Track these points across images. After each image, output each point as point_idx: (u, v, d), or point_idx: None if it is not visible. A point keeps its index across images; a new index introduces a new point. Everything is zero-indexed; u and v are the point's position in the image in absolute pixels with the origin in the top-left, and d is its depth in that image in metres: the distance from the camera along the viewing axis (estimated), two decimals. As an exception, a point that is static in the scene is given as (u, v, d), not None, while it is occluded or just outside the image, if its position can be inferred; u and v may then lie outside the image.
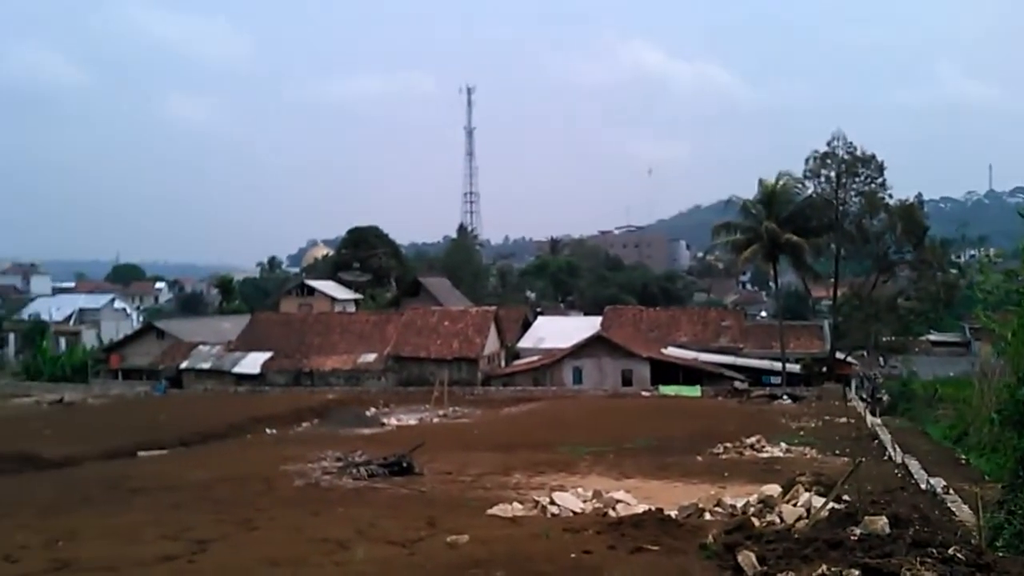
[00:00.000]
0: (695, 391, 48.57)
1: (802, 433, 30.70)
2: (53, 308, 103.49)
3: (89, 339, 78.49)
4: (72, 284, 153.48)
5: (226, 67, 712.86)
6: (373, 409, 44.73)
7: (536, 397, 48.67)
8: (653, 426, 32.41)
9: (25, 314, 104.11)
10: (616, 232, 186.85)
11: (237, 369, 56.39)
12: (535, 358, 57.02)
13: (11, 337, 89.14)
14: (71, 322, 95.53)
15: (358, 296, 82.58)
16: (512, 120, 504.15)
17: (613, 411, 39.70)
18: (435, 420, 41.26)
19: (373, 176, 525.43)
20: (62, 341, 76.94)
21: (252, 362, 56.77)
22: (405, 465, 22.45)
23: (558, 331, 61.44)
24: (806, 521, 11.41)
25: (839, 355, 54.34)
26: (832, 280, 55.39)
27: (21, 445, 29.60)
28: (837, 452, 25.06)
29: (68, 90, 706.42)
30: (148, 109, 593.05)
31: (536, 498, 16.03)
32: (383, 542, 11.05)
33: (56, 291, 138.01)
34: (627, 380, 51.74)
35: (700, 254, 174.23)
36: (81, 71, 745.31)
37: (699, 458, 24.98)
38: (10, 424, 39.23)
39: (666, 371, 51.51)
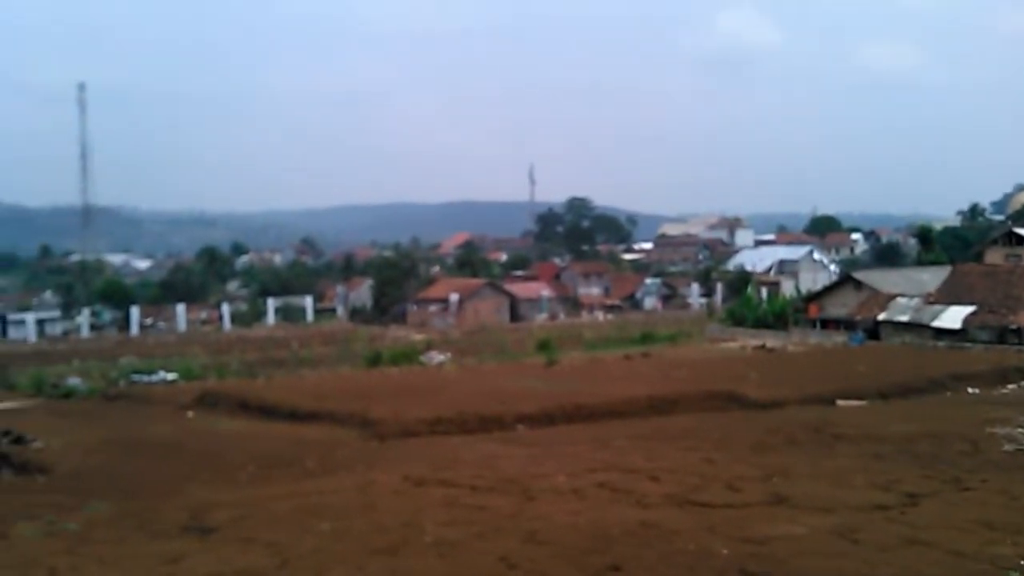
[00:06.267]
0: None
1: None
2: (756, 259, 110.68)
3: (788, 289, 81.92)
4: (772, 236, 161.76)
5: (928, 9, 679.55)
6: (1101, 374, 39.16)
7: None
8: None
9: (731, 265, 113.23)
10: None
11: (936, 323, 53.91)
12: None
13: (718, 286, 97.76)
14: (771, 272, 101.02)
15: (1080, 246, 72.66)
16: None
17: None
18: None
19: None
20: (763, 290, 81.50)
21: (952, 316, 53.74)
22: None
23: None
24: None
25: None
26: None
27: (730, 385, 32.29)
28: None
29: (766, 50, 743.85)
30: (844, 62, 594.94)
31: None
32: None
33: (758, 243, 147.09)
34: None
35: None
36: (778, 31, 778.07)
37: None
38: (719, 366, 43.02)
39: None
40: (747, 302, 72.27)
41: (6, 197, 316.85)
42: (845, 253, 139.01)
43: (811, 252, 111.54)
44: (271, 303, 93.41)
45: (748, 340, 59.09)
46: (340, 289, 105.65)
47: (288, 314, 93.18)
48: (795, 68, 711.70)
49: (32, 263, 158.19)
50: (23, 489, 17.07)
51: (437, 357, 55.62)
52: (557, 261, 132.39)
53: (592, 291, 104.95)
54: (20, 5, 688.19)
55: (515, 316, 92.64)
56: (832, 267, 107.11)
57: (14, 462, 19.52)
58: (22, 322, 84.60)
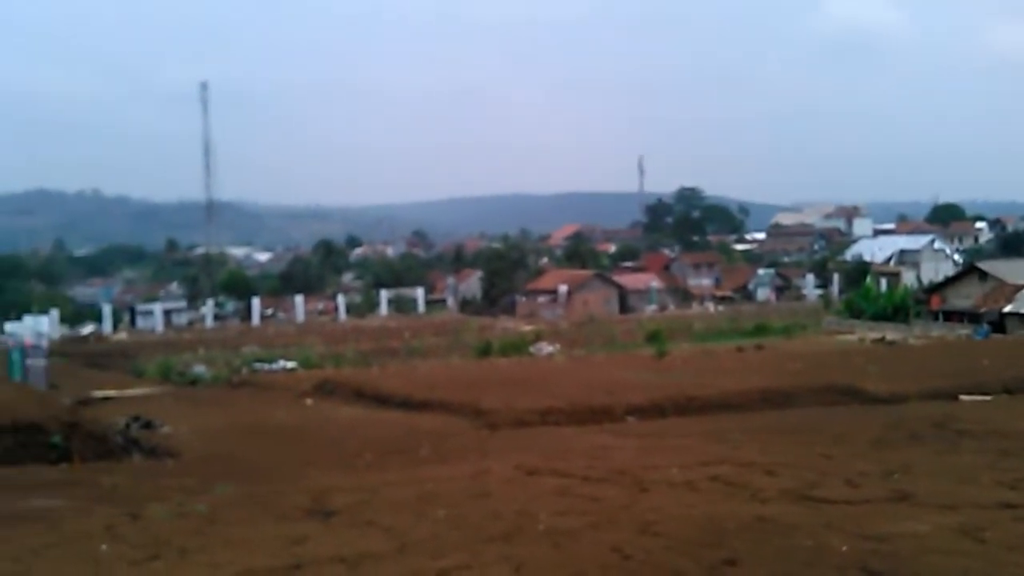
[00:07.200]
0: None
1: None
2: (875, 249, 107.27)
3: (908, 280, 79.31)
4: (892, 226, 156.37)
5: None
6: None
7: None
8: None
9: (848, 255, 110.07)
10: None
11: (1071, 315, 51.41)
12: None
13: (835, 277, 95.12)
14: (891, 263, 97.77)
15: None
16: None
17: None
18: None
19: None
20: (882, 281, 79.09)
21: (1089, 308, 51.16)
22: None
23: None
24: None
25: None
26: None
27: (847, 379, 31.42)
28: None
29: (887, 31, 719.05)
30: (969, 41, 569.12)
31: None
32: None
33: (877, 232, 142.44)
34: None
35: None
36: (900, 10, 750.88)
37: None
38: (836, 359, 41.90)
39: None
40: (865, 293, 70.17)
41: (135, 193, 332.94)
42: (969, 242, 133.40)
43: (933, 241, 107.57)
44: (384, 294, 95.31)
45: (867, 333, 57.34)
46: (450, 280, 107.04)
47: (400, 305, 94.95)
48: (917, 49, 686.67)
49: (159, 256, 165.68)
50: (153, 472, 17.87)
51: (546, 348, 55.89)
52: (667, 252, 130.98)
53: (702, 282, 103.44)
54: (148, 8, 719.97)
55: (624, 307, 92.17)
56: (955, 257, 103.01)
57: (144, 446, 20.46)
58: (150, 312, 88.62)
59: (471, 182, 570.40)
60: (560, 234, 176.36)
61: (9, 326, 57.20)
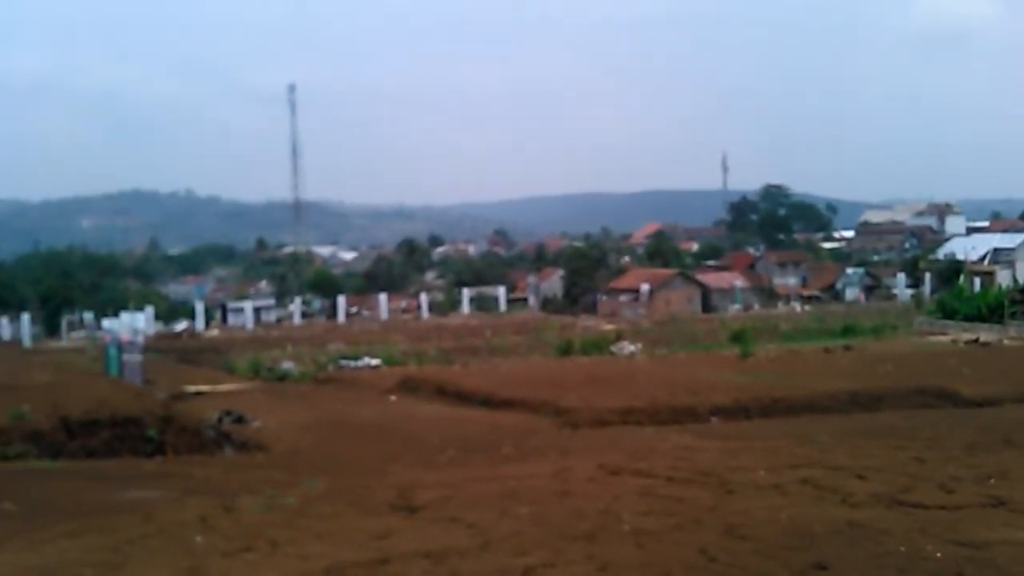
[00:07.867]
0: None
1: None
2: (968, 247, 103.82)
3: (1003, 279, 76.64)
4: (986, 223, 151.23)
5: None
6: None
7: None
8: None
9: (940, 254, 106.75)
10: None
11: None
12: None
13: (927, 276, 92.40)
14: (985, 262, 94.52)
15: None
16: None
17: None
18: None
19: None
20: (976, 281, 76.58)
21: None
22: None
23: None
24: None
25: None
26: None
27: (939, 381, 30.49)
28: None
29: (981, 23, 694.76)
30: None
31: None
32: None
33: (970, 231, 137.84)
34: None
35: None
36: (993, 3, 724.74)
37: None
38: (928, 360, 40.65)
39: None
40: (959, 293, 67.93)
41: (226, 193, 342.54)
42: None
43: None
44: (466, 293, 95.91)
45: (960, 334, 55.48)
46: (531, 279, 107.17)
47: (482, 303, 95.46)
48: (1013, 41, 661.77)
49: (249, 255, 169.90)
50: (244, 465, 18.26)
51: (628, 347, 55.52)
52: (751, 251, 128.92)
53: (788, 281, 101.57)
54: (239, 11, 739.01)
55: (707, 307, 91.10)
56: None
57: (235, 440, 20.92)
58: (240, 310, 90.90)
59: (552, 181, 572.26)
60: (642, 233, 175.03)
61: (107, 323, 59.33)
